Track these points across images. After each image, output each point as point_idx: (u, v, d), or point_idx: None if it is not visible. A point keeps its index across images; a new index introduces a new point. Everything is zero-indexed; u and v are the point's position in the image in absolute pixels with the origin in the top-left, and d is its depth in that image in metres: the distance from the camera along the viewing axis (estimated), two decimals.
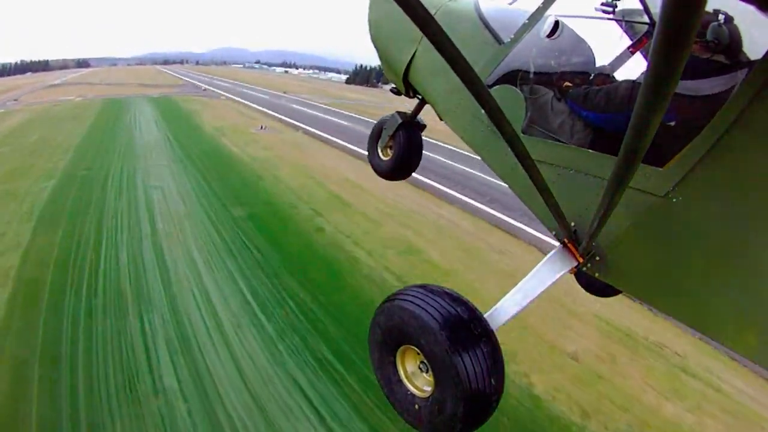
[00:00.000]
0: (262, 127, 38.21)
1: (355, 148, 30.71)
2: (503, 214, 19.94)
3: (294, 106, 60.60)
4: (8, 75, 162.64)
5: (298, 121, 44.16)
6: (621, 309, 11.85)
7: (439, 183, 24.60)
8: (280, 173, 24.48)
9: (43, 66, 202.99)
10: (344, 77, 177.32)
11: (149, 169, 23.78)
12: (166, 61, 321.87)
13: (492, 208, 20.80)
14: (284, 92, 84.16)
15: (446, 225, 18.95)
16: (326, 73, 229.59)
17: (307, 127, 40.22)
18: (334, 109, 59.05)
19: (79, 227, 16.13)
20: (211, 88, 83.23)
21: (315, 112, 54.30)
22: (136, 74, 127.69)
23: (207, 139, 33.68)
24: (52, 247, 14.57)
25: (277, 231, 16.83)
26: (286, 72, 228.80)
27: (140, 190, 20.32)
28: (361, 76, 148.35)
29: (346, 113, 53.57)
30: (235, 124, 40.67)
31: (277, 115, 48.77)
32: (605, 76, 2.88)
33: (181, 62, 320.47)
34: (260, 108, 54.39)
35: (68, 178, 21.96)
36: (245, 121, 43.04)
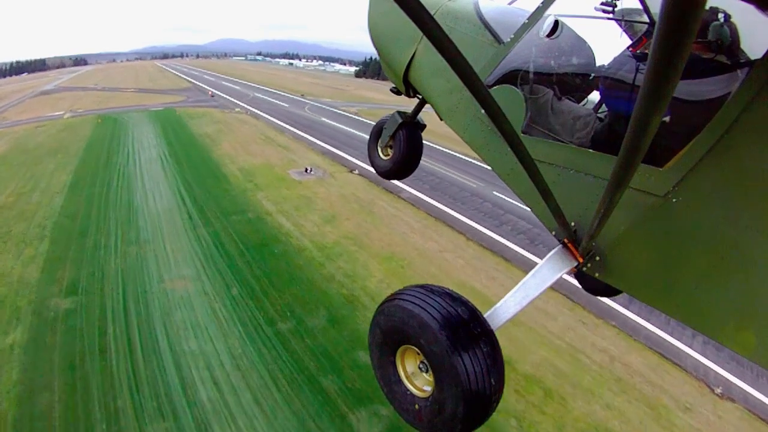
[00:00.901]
0: (307, 170, 29.12)
1: (438, 206, 21.70)
2: (665, 332, 14.18)
3: (323, 119, 51.46)
4: (4, 77, 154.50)
5: (343, 151, 35.22)
6: None
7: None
8: (376, 284, 15.62)
9: (39, 65, 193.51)
10: (352, 69, 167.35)
11: (170, 294, 14.88)
12: (165, 56, 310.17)
13: (653, 324, 14.71)
14: (302, 95, 75.48)
15: (625, 376, 12.52)
16: (332, 64, 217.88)
17: (358, 162, 31.25)
18: (367, 120, 50.00)
19: None
20: (219, 93, 74.04)
21: (351, 129, 45.28)
22: (135, 74, 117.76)
23: (240, 201, 24.34)
24: None
25: None
26: (291, 64, 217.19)
27: (169, 363, 11.55)
28: (371, 69, 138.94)
29: None
30: (268, 161, 31.54)
31: (311, 139, 39.70)
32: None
33: (181, 56, 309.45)
34: (286, 126, 45.30)
35: (44, 321, 13.33)
36: (278, 154, 33.84)
